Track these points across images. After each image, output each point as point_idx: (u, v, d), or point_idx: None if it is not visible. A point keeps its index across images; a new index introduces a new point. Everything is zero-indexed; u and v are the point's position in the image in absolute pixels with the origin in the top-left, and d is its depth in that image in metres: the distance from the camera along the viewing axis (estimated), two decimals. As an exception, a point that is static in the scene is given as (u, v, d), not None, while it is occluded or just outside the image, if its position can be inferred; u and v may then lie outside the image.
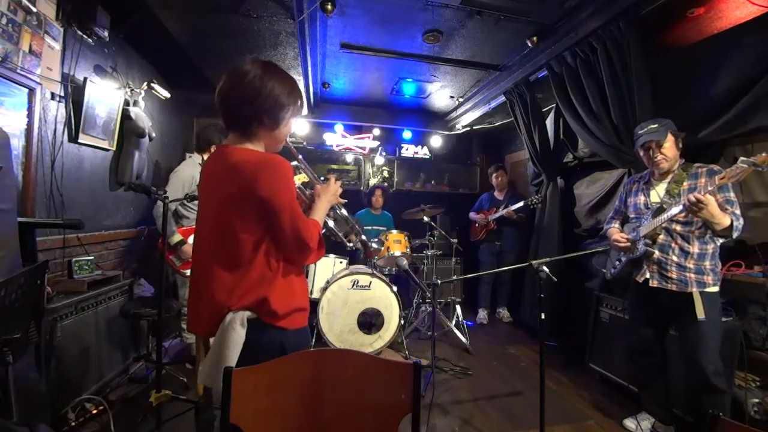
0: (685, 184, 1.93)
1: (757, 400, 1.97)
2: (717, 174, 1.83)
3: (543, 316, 1.84)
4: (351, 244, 1.67)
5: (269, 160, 1.10)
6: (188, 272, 2.61)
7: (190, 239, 2.64)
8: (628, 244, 2.07)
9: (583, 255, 3.24)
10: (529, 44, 2.89)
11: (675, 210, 1.82)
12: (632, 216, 2.15)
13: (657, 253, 1.96)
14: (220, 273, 1.11)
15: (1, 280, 1.17)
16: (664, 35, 2.56)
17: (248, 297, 1.10)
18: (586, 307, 2.96)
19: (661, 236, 1.96)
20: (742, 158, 1.58)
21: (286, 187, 1.10)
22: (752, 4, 2.09)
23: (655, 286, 1.98)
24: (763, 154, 1.51)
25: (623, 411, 2.34)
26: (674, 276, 1.92)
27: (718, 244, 1.91)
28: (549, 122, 3.78)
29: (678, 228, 1.92)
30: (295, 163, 1.50)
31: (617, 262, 2.20)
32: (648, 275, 2.01)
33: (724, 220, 1.70)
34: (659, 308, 2.04)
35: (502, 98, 3.82)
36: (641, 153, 2.05)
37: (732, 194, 1.80)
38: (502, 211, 4.05)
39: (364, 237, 1.74)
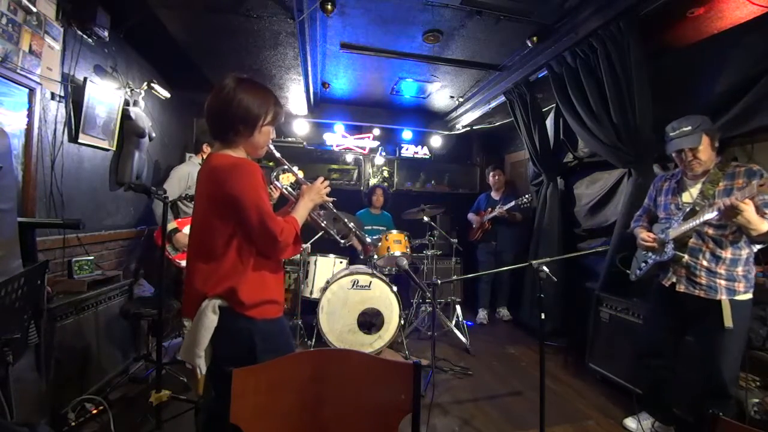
0: (720, 184, 1.78)
1: (757, 400, 1.97)
2: (756, 175, 1.70)
3: (543, 316, 1.84)
4: (344, 241, 1.70)
5: (238, 163, 1.22)
6: (183, 263, 2.68)
7: (185, 229, 2.75)
8: (654, 244, 1.98)
9: (584, 255, 3.25)
10: (529, 44, 2.88)
11: (709, 214, 1.70)
12: (662, 216, 2.03)
13: (686, 258, 1.85)
14: (199, 264, 1.26)
15: (1, 280, 1.17)
16: (664, 35, 2.56)
17: (220, 285, 1.22)
18: (586, 307, 2.96)
19: (692, 239, 1.85)
20: None
21: (252, 186, 1.20)
22: (752, 4, 2.09)
23: (681, 290, 1.88)
24: None
25: (623, 411, 2.34)
26: (703, 282, 1.81)
27: (754, 249, 1.80)
28: (549, 122, 3.78)
29: (710, 231, 1.80)
30: (286, 167, 1.54)
31: (643, 264, 2.10)
32: (675, 279, 1.91)
33: (762, 226, 1.58)
34: (681, 313, 1.94)
35: (502, 98, 3.82)
36: (673, 155, 1.92)
37: None
38: (495, 212, 4.06)
39: (358, 233, 1.77)
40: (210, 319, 1.20)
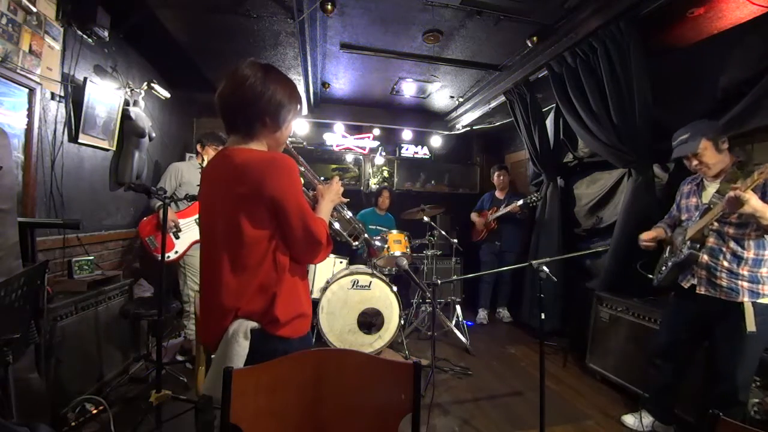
0: (739, 182, 1.73)
1: (757, 400, 1.97)
2: None
3: (543, 316, 1.84)
4: (357, 243, 1.68)
5: (275, 158, 1.10)
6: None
7: (183, 221, 2.77)
8: (651, 244, 2.03)
9: (584, 255, 3.25)
10: (529, 44, 2.88)
11: (718, 209, 1.69)
12: (684, 218, 2.02)
13: (705, 257, 1.82)
14: (226, 277, 1.10)
15: (1, 280, 1.17)
16: (664, 35, 2.56)
17: (255, 300, 1.09)
18: (586, 307, 2.96)
19: (711, 239, 1.82)
20: None
21: (293, 184, 1.10)
22: (752, 4, 2.09)
23: (701, 292, 1.84)
24: None
25: (623, 411, 2.34)
26: (724, 283, 1.77)
27: None
28: (549, 122, 3.78)
29: (731, 231, 1.76)
30: (302, 168, 1.51)
31: (663, 267, 2.06)
32: (695, 281, 1.87)
33: None
34: (700, 317, 1.90)
35: (502, 98, 3.82)
36: (685, 162, 1.94)
37: None
38: (506, 209, 4.02)
39: (367, 235, 1.75)
40: (243, 346, 1.07)
